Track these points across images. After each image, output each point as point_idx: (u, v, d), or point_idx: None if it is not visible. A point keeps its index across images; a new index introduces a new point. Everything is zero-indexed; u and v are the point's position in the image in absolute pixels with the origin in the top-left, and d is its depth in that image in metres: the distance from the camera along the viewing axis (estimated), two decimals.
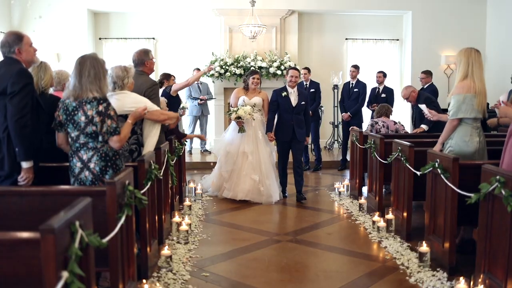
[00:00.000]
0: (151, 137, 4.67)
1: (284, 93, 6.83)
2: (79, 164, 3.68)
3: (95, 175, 3.66)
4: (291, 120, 6.83)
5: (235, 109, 6.94)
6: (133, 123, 4.20)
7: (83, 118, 3.59)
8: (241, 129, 6.98)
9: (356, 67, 9.64)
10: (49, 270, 1.96)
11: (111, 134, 3.64)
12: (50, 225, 1.98)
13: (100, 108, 3.59)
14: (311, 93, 8.81)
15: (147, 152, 4.49)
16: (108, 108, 3.63)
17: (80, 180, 3.68)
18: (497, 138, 5.36)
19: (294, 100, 6.84)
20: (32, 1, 11.09)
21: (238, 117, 6.86)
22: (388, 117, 7.68)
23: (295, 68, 7.21)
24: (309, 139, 7.10)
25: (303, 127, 6.92)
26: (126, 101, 4.37)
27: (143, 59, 5.27)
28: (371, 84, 10.02)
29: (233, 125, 7.18)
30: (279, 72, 11.03)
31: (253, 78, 7.09)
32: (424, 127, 7.54)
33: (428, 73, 8.93)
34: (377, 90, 9.50)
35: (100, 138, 3.64)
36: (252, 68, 10.72)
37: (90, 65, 3.61)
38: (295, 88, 6.92)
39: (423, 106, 6.03)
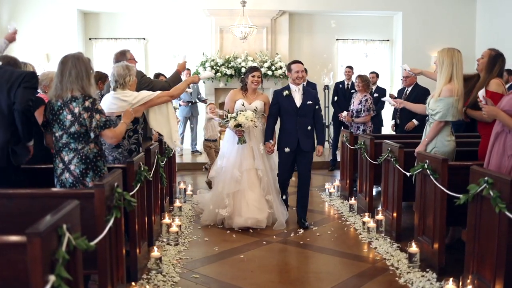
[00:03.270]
0: (166, 123, 4.86)
1: (285, 92, 5.65)
2: (61, 165, 3.67)
3: (76, 178, 3.64)
4: (295, 125, 5.61)
5: (233, 115, 5.65)
6: (127, 122, 4.13)
7: (69, 117, 3.58)
8: (241, 140, 5.69)
9: (351, 68, 9.71)
10: (36, 274, 1.95)
11: (102, 128, 3.63)
12: (37, 228, 1.96)
13: (87, 104, 3.58)
14: None
15: (172, 138, 4.92)
16: (95, 103, 3.63)
17: (62, 182, 3.67)
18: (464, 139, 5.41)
19: (298, 99, 5.65)
20: (24, 3, 11.07)
21: (238, 125, 5.60)
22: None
23: (298, 62, 5.83)
24: (321, 149, 5.81)
25: (310, 135, 5.68)
26: (117, 103, 4.37)
27: (120, 61, 5.34)
28: None
29: (228, 136, 5.96)
30: (269, 72, 11.04)
31: (253, 76, 5.81)
32: (415, 122, 7.59)
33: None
34: (370, 90, 9.49)
35: (96, 133, 3.62)
36: (243, 67, 10.71)
37: (71, 65, 3.60)
38: (300, 86, 5.72)
39: (386, 99, 6.01)
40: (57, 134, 3.65)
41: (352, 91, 9.41)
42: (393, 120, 8.40)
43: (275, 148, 5.81)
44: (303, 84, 5.82)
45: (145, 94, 4.56)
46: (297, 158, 5.71)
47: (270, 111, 5.79)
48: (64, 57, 3.67)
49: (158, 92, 4.72)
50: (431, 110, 4.64)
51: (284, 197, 5.91)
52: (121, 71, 4.47)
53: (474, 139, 5.30)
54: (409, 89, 7.81)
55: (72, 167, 3.63)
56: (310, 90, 5.93)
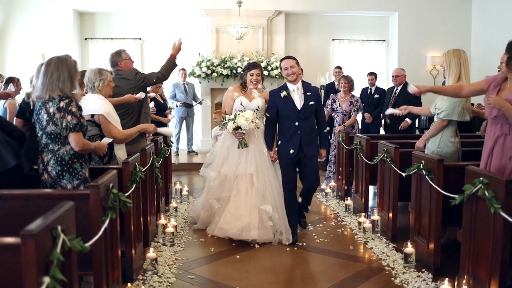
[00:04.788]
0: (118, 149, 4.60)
1: (283, 93, 4.99)
2: (41, 166, 3.70)
3: (53, 179, 3.65)
4: (296, 130, 4.98)
5: (231, 116, 5.08)
6: (96, 148, 3.94)
7: (45, 116, 3.60)
8: (242, 144, 5.13)
9: (340, 68, 9.76)
10: (30, 275, 1.94)
11: (70, 130, 3.57)
12: (31, 230, 1.95)
13: (61, 104, 3.58)
14: None
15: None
16: (70, 104, 3.60)
17: (43, 182, 3.69)
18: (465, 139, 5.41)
19: (298, 100, 5.01)
20: (20, 3, 11.03)
21: (238, 128, 5.04)
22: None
23: (287, 57, 5.16)
24: (325, 153, 5.39)
25: (313, 140, 5.09)
26: (86, 105, 4.30)
27: (116, 61, 5.39)
28: (360, 84, 10.02)
29: (227, 138, 5.39)
30: (265, 72, 11.02)
31: (251, 75, 5.23)
32: (408, 121, 7.63)
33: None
34: (369, 91, 9.47)
35: (63, 134, 3.59)
36: (239, 67, 10.70)
37: (54, 67, 3.61)
38: (299, 84, 5.06)
39: (390, 111, 5.93)
40: (38, 135, 3.69)
41: None
42: (383, 120, 8.42)
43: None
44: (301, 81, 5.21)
45: (108, 111, 4.40)
46: (301, 165, 5.13)
47: (268, 116, 5.17)
48: (49, 59, 3.69)
49: (116, 129, 4.44)
50: (438, 109, 4.66)
51: (300, 199, 5.38)
52: (91, 76, 4.44)
53: (474, 140, 5.30)
54: (399, 88, 7.84)
55: (49, 168, 3.65)
56: (310, 87, 5.20)
